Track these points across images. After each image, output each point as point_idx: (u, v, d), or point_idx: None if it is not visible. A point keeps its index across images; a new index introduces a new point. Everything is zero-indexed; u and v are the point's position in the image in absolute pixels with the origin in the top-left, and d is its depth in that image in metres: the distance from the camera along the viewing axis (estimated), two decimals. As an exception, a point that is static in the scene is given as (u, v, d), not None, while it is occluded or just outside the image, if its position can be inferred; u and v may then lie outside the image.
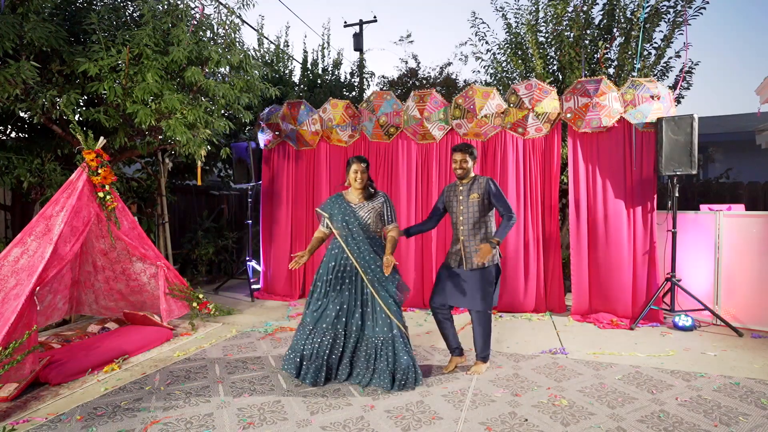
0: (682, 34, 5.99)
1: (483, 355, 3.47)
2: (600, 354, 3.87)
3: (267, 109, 6.25)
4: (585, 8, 6.11)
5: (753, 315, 4.52)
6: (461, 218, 3.42)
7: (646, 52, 6.03)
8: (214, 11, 4.94)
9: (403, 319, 3.28)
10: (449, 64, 17.41)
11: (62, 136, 4.62)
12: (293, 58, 9.36)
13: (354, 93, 10.15)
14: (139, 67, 4.21)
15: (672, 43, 5.99)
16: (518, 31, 6.64)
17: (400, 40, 14.80)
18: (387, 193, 4.26)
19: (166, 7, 4.52)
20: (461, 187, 3.48)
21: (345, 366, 3.26)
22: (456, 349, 3.55)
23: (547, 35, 6.42)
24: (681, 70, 5.89)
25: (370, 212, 3.35)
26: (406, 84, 11.84)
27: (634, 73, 5.87)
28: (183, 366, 3.61)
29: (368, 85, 10.95)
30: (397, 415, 2.77)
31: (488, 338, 3.45)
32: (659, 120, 4.58)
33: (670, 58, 6.15)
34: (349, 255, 3.27)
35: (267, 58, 8.77)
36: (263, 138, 6.29)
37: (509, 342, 4.19)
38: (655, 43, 6.07)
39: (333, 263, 3.32)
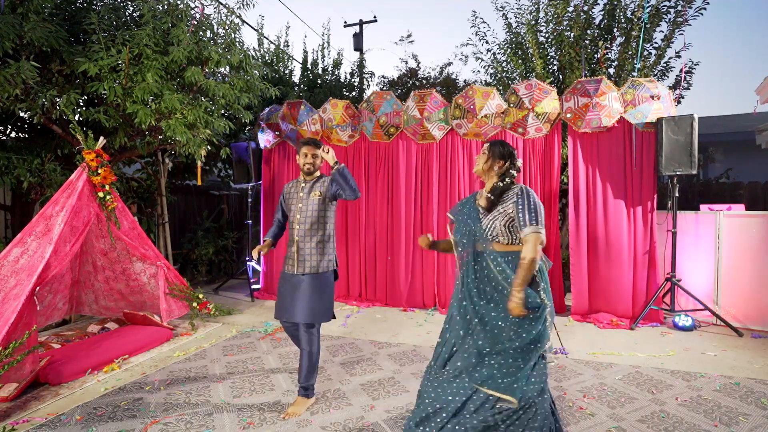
0: (682, 34, 5.99)
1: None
2: (600, 354, 3.87)
3: (267, 109, 6.25)
4: (585, 8, 6.11)
5: (753, 315, 4.52)
6: (298, 217, 3.01)
7: (646, 52, 6.03)
8: (214, 11, 4.94)
9: None
10: (449, 64, 17.46)
11: (62, 136, 4.62)
12: (293, 58, 9.36)
13: (354, 93, 10.15)
14: (139, 67, 4.20)
15: (672, 43, 6.00)
16: (518, 30, 6.64)
17: (400, 40, 14.83)
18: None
19: (166, 7, 4.52)
20: (303, 185, 3.07)
21: None
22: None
23: (547, 35, 6.42)
24: (681, 70, 5.89)
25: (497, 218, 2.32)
26: (406, 84, 11.84)
27: (634, 73, 5.87)
28: (183, 366, 3.61)
29: (368, 85, 10.95)
30: (398, 416, 2.78)
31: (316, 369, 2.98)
32: (659, 120, 4.58)
33: (671, 58, 6.16)
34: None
35: (267, 58, 8.77)
36: (263, 138, 6.29)
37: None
38: (656, 43, 6.08)
39: None
